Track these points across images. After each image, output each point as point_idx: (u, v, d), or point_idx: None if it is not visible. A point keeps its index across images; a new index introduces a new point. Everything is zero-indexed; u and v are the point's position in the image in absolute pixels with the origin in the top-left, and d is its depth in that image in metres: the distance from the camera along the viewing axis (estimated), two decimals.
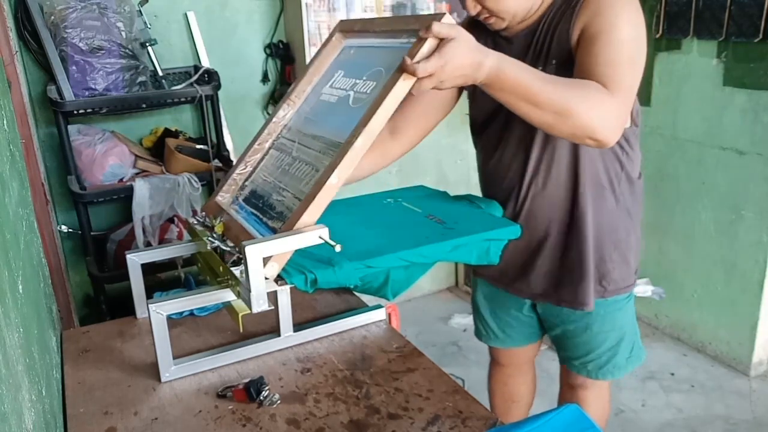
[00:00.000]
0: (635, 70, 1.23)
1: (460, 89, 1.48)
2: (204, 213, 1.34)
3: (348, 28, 1.36)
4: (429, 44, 1.04)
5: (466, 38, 1.05)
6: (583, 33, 1.24)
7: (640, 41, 1.24)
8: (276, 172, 1.29)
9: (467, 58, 1.04)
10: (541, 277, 1.47)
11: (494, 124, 1.43)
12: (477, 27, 1.40)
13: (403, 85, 1.05)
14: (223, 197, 1.34)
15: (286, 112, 1.38)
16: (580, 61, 1.23)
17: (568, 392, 1.67)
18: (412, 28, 1.09)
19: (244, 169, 1.36)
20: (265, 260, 1.05)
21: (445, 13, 1.06)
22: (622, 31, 1.21)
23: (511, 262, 1.47)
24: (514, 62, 1.12)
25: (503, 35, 1.37)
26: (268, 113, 2.75)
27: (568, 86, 1.16)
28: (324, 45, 1.38)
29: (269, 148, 1.37)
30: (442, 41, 1.03)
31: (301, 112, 1.35)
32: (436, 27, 1.02)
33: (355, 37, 1.34)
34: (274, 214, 1.18)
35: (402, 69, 1.04)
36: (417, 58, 1.02)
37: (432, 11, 2.77)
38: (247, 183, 1.35)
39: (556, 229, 1.42)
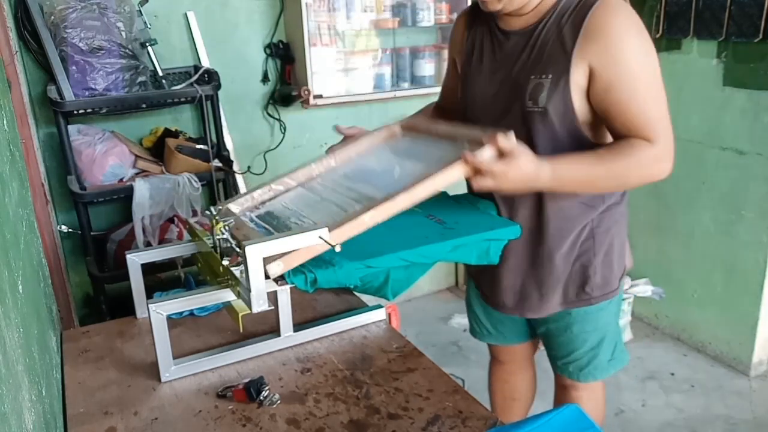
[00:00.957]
0: (663, 102, 1.26)
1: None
2: (219, 207, 1.33)
3: (410, 126, 1.48)
4: (489, 150, 1.14)
5: (526, 153, 1.16)
6: (596, 75, 1.22)
7: (655, 67, 1.25)
8: (299, 204, 1.34)
9: (527, 170, 1.16)
10: (509, 291, 1.47)
11: (481, 113, 1.42)
12: (476, 20, 1.41)
13: (458, 170, 1.14)
14: (233, 208, 1.34)
15: (325, 164, 1.45)
16: (609, 116, 1.25)
17: (561, 393, 1.67)
18: (474, 137, 1.20)
19: (267, 193, 1.40)
20: (271, 258, 1.06)
21: (510, 132, 1.16)
22: (640, 74, 1.23)
23: (487, 274, 1.50)
24: (566, 163, 1.23)
25: (501, 28, 1.36)
26: (268, 113, 2.75)
27: (617, 160, 1.24)
28: (381, 129, 1.50)
29: (297, 185, 1.43)
30: (503, 153, 1.14)
31: (340, 170, 1.43)
32: (501, 139, 1.13)
33: (414, 135, 1.46)
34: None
35: (463, 159, 1.14)
36: (478, 155, 1.13)
37: (432, 11, 2.78)
38: (264, 204, 1.38)
39: (530, 241, 1.41)
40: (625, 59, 1.21)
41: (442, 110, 1.62)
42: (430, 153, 1.32)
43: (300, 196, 1.38)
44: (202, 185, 2.27)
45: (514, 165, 1.14)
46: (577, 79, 1.24)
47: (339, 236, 1.09)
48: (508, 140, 1.14)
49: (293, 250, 1.08)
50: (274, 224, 1.26)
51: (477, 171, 1.15)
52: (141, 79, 2.19)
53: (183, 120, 2.58)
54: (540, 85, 1.27)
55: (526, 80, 1.30)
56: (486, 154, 1.14)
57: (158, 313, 1.11)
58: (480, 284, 1.58)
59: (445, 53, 2.68)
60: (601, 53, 1.21)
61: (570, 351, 1.53)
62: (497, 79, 1.36)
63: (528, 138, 1.31)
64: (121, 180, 2.24)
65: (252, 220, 1.31)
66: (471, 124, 1.49)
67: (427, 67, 2.87)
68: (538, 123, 1.29)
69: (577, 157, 1.26)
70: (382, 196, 1.15)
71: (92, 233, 2.26)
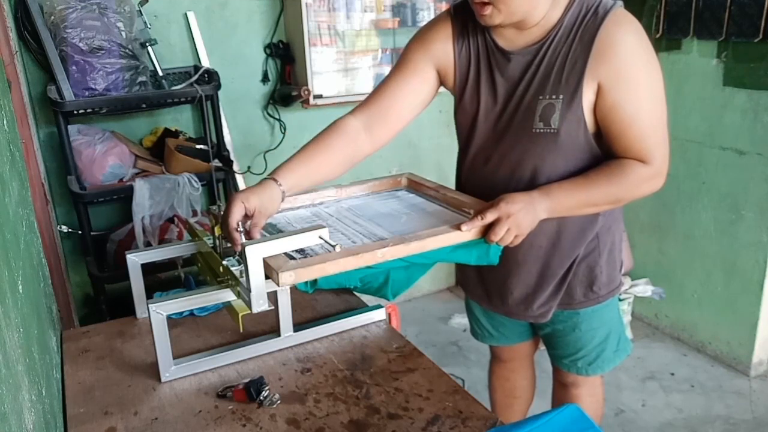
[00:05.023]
0: (663, 125, 1.28)
1: (436, 87, 1.44)
2: (219, 205, 1.34)
3: (417, 182, 1.56)
4: (490, 217, 1.23)
5: (516, 207, 1.22)
6: (604, 93, 1.23)
7: (660, 90, 1.25)
8: (303, 224, 1.36)
9: (528, 216, 1.23)
10: (520, 302, 1.47)
11: (481, 132, 1.40)
12: (465, 30, 1.35)
13: (466, 234, 1.22)
14: None
15: (331, 193, 1.51)
16: (610, 133, 1.26)
17: (560, 391, 1.67)
18: (472, 209, 1.31)
19: None
20: (283, 265, 1.06)
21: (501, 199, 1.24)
22: (646, 99, 1.23)
23: (492, 281, 1.50)
24: (561, 191, 1.27)
25: (500, 47, 1.31)
26: (268, 113, 2.75)
27: (611, 181, 1.27)
28: (388, 177, 1.60)
29: (301, 207, 1.47)
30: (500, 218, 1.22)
31: (345, 203, 1.49)
32: (503, 206, 1.22)
33: (416, 192, 1.55)
34: None
35: (473, 224, 1.22)
36: (478, 221, 1.22)
37: (432, 11, 2.78)
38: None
39: (542, 256, 1.41)
40: (633, 82, 1.21)
41: (364, 119, 1.38)
42: (436, 212, 1.40)
43: (304, 218, 1.41)
44: (202, 185, 2.27)
45: (516, 222, 1.21)
46: (588, 96, 1.24)
47: (354, 262, 1.12)
48: (499, 210, 1.21)
49: (308, 264, 1.09)
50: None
51: (490, 225, 1.22)
52: (141, 79, 2.19)
53: (183, 120, 2.58)
54: (551, 106, 1.26)
55: (534, 101, 1.28)
56: (490, 216, 1.22)
57: (158, 313, 1.11)
58: (487, 293, 1.55)
59: None
60: (610, 72, 1.21)
61: (578, 348, 1.53)
62: (499, 100, 1.33)
63: (536, 158, 1.31)
64: (121, 180, 2.24)
65: None
66: (466, 141, 1.46)
67: None
68: (548, 143, 1.28)
69: (572, 184, 1.28)
70: (393, 238, 1.20)
71: (92, 233, 2.26)
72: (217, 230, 1.20)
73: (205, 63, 2.51)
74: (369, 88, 2.78)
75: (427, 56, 1.39)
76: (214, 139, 2.42)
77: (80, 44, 2.05)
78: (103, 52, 2.08)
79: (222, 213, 1.17)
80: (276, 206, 1.22)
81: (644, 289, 2.71)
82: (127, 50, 2.13)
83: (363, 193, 1.55)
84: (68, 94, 2.05)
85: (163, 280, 2.21)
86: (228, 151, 2.45)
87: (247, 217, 1.16)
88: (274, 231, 1.32)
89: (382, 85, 1.42)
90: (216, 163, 2.33)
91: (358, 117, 1.39)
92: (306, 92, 2.56)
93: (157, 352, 1.15)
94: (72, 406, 1.13)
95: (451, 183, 1.55)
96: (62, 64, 2.06)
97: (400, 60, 1.42)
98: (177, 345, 1.25)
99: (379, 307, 1.39)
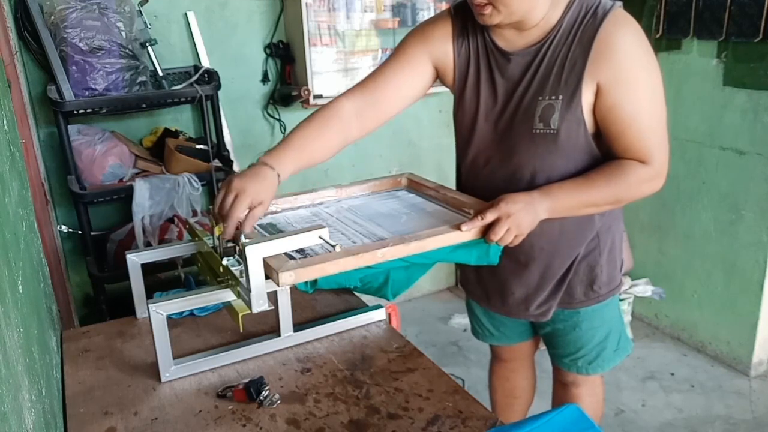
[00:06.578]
0: (663, 126, 1.27)
1: (431, 82, 1.44)
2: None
3: (417, 182, 1.55)
4: (490, 217, 1.23)
5: (516, 207, 1.22)
6: (603, 93, 1.23)
7: (659, 90, 1.25)
8: (303, 224, 1.36)
9: (528, 216, 1.23)
10: (521, 301, 1.47)
11: (481, 132, 1.40)
12: (465, 29, 1.36)
13: (466, 234, 1.22)
14: None
15: (331, 193, 1.51)
16: (609, 133, 1.26)
17: (560, 390, 1.68)
18: (472, 209, 1.31)
19: (270, 206, 1.41)
20: (283, 265, 1.06)
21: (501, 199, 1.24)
22: (645, 100, 1.24)
23: (491, 281, 1.50)
24: (561, 191, 1.27)
25: (500, 47, 1.32)
26: (268, 113, 2.75)
27: (611, 182, 1.27)
28: (388, 177, 1.60)
29: (301, 207, 1.47)
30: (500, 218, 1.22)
31: (345, 203, 1.49)
32: (503, 206, 1.22)
33: (416, 192, 1.55)
34: None
35: (473, 224, 1.22)
36: (478, 222, 1.22)
37: (432, 11, 2.78)
38: (266, 216, 1.40)
39: (536, 248, 1.40)
40: (632, 82, 1.22)
41: (356, 103, 1.37)
42: (435, 212, 1.40)
43: (304, 218, 1.41)
44: (202, 185, 2.27)
45: (516, 222, 1.21)
46: (587, 96, 1.24)
47: (354, 262, 1.12)
48: (499, 210, 1.22)
49: (308, 264, 1.09)
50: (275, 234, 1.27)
51: (490, 225, 1.22)
52: (141, 79, 2.19)
53: (183, 120, 2.58)
54: (550, 106, 1.26)
55: (534, 102, 1.28)
56: (488, 218, 1.22)
57: (158, 313, 1.11)
58: (486, 293, 1.55)
59: None
60: (610, 73, 1.21)
61: (578, 348, 1.53)
62: (499, 100, 1.33)
63: (536, 158, 1.30)
64: (121, 180, 2.24)
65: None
66: (465, 142, 1.46)
67: None
68: (548, 144, 1.28)
69: (572, 184, 1.28)
70: (393, 238, 1.20)
71: (92, 233, 2.26)
72: (217, 230, 1.20)
73: (205, 63, 2.51)
74: None
75: (424, 51, 1.39)
76: (214, 139, 2.42)
77: (80, 44, 2.05)
78: (103, 52, 2.08)
79: (222, 198, 1.17)
80: (272, 197, 1.22)
81: (644, 289, 2.71)
82: (127, 50, 2.13)
83: (363, 193, 1.55)
84: (68, 94, 2.05)
85: (163, 280, 2.21)
86: (228, 151, 2.45)
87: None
88: (274, 231, 1.32)
89: (376, 73, 1.40)
90: (216, 163, 2.33)
91: (351, 100, 1.37)
92: (306, 92, 2.56)
93: (157, 352, 1.15)
94: (72, 406, 1.13)
95: (451, 183, 1.55)
96: (62, 64, 2.06)
97: (397, 51, 1.41)
98: (177, 345, 1.25)
99: (379, 307, 1.39)
